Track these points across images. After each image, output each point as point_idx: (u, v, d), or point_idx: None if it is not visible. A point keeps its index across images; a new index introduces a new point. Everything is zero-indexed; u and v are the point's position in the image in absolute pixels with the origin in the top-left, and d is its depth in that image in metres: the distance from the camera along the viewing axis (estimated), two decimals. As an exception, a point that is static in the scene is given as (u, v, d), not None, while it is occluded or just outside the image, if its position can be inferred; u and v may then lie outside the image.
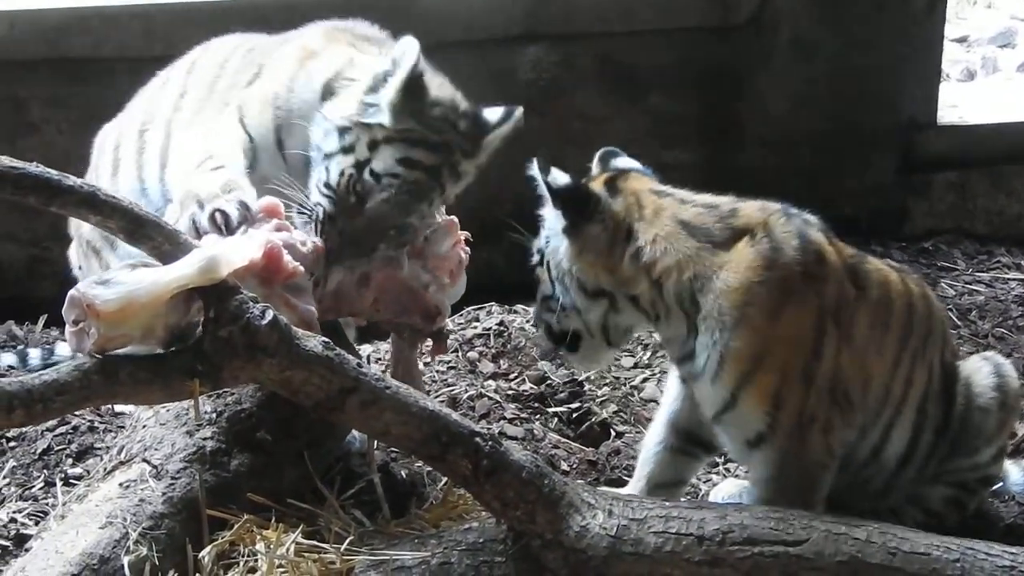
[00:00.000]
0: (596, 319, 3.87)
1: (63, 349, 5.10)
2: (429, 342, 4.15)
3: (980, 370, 4.15)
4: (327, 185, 3.97)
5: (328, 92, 4.08)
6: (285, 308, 3.56)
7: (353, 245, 3.93)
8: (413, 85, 3.89)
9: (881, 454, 4.00)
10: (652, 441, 4.13)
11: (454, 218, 4.02)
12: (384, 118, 3.91)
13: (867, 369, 3.84)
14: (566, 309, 3.88)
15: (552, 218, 3.84)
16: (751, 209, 3.80)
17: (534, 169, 3.78)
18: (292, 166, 4.12)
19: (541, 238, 3.92)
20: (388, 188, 3.90)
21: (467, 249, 4.04)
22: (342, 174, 3.94)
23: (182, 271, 3.21)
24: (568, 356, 4.08)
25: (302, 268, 3.66)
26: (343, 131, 3.97)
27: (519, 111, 4.09)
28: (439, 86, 4.02)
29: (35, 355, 5.20)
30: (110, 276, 3.23)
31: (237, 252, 3.42)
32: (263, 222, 3.75)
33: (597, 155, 4.07)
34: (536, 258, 3.95)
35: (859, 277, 3.85)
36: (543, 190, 3.79)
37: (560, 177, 3.79)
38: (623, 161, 4.03)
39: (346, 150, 3.95)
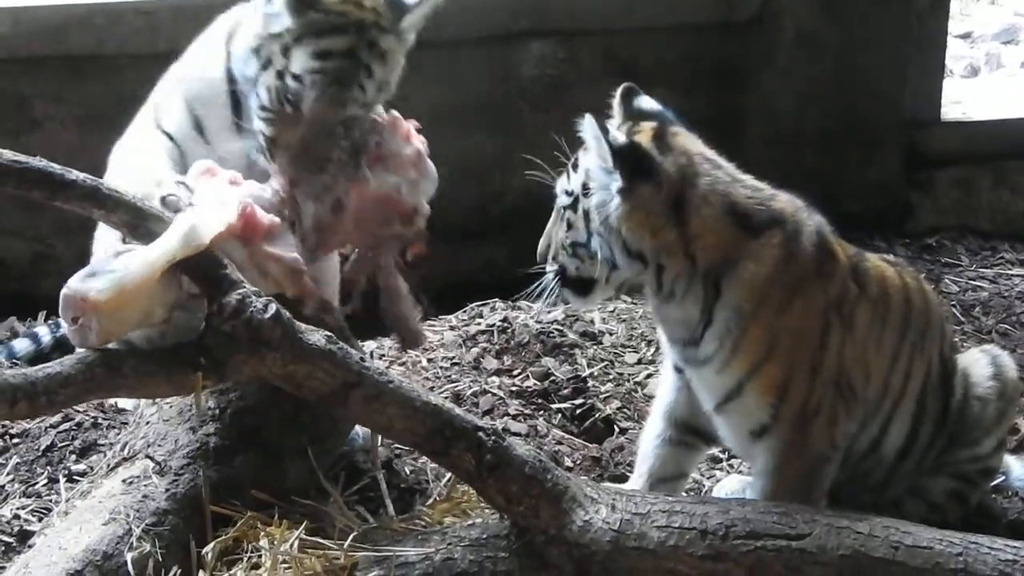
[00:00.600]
0: (622, 277, 3.82)
1: None
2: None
3: (978, 362, 4.18)
4: (263, 108, 3.96)
5: (232, 38, 4.10)
6: (270, 262, 3.55)
7: (308, 158, 3.90)
8: None
9: (880, 447, 4.01)
10: (650, 435, 4.12)
11: (394, 112, 3.98)
12: (286, 21, 3.89)
13: (867, 363, 3.85)
14: (596, 260, 3.78)
15: (599, 172, 3.71)
16: (784, 198, 3.81)
17: (587, 125, 3.68)
18: (217, 146, 4.13)
19: (574, 181, 3.81)
20: (314, 86, 3.87)
21: (422, 138, 4.00)
22: (269, 90, 3.93)
23: (166, 246, 3.21)
24: (573, 297, 3.97)
25: (278, 220, 3.64)
26: (256, 50, 3.96)
27: None
28: None
29: (44, 332, 5.24)
30: (97, 268, 3.23)
31: (215, 218, 3.41)
32: (208, 179, 3.74)
33: (619, 91, 3.95)
34: (567, 200, 3.83)
35: (859, 275, 3.86)
36: (597, 145, 3.68)
37: (619, 136, 3.70)
38: (646, 102, 3.94)
39: (265, 66, 3.94)
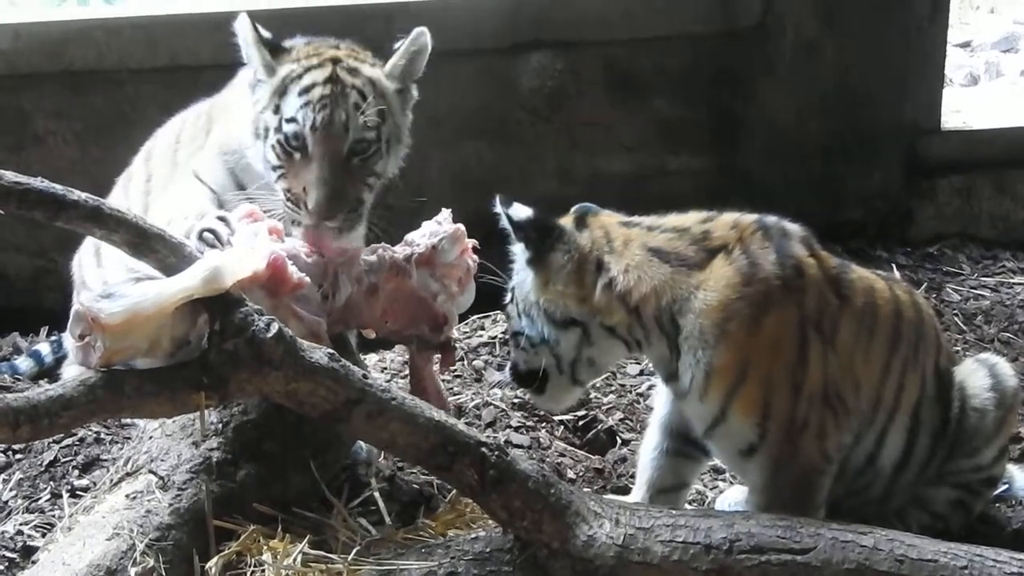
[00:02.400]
0: (568, 351, 3.86)
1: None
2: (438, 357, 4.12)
3: (975, 373, 4.15)
4: (275, 168, 4.08)
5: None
6: (293, 319, 3.57)
7: (336, 199, 3.98)
8: (268, 46, 4.10)
9: (877, 460, 3.99)
10: (648, 447, 4.12)
11: (461, 226, 4.01)
12: (266, 86, 4.08)
13: (856, 375, 3.83)
14: (535, 344, 3.86)
15: (518, 252, 3.86)
16: (723, 228, 3.80)
17: (496, 206, 3.79)
18: (260, 204, 4.19)
19: (514, 276, 3.92)
20: (307, 118, 4.00)
21: (475, 257, 4.03)
22: (275, 146, 4.06)
23: (186, 282, 3.22)
24: (535, 397, 4.09)
25: (308, 279, 3.66)
26: (256, 132, 4.12)
27: (421, 30, 4.23)
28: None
29: (46, 350, 5.28)
30: (114, 289, 3.25)
31: (241, 263, 3.43)
32: (247, 225, 3.79)
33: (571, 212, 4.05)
34: (508, 296, 3.95)
35: (842, 286, 3.83)
36: (507, 226, 3.80)
37: (521, 210, 3.80)
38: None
39: (265, 135, 4.09)
